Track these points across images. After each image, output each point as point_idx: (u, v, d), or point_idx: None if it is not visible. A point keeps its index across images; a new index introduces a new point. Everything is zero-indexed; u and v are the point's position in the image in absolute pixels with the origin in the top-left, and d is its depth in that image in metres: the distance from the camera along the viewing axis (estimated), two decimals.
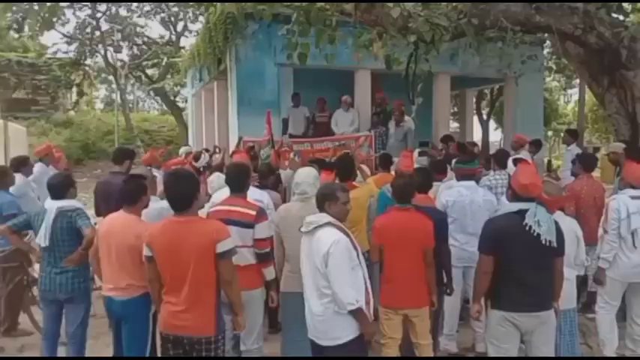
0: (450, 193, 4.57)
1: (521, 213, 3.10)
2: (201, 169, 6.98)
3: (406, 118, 8.80)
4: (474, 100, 18.74)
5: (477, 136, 18.18)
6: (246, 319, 3.71)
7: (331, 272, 2.98)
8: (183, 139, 18.58)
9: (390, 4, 5.05)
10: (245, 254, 3.65)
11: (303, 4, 5.40)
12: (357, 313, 3.03)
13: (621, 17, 7.89)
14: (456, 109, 18.01)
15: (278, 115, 9.09)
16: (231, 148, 8.60)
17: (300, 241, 3.75)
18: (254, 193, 4.22)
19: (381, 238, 3.73)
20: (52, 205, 3.77)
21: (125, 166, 5.17)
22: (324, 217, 3.13)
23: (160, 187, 4.43)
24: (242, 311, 3.22)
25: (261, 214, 3.69)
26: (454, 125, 17.74)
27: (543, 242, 3.04)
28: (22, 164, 5.76)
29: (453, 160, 5.13)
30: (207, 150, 9.15)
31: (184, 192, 2.98)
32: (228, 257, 2.98)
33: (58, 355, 4.03)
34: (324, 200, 3.18)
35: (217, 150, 8.70)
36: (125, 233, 3.34)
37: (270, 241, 3.80)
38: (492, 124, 21.28)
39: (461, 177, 4.62)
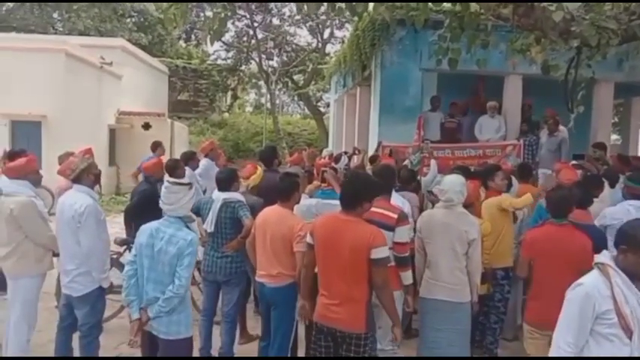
0: (617, 210, 4.18)
1: None
2: (342, 170, 7.18)
3: (560, 127, 8.18)
4: None
5: None
6: (385, 319, 3.79)
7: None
8: (323, 142, 19.33)
9: (552, 7, 4.77)
10: None
11: (456, 7, 5.34)
12: None
13: None
14: (617, 120, 16.27)
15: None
16: (370, 152, 8.76)
17: (441, 247, 3.73)
18: (395, 199, 4.27)
19: (531, 252, 3.56)
20: (218, 196, 4.22)
21: (275, 164, 5.58)
22: (602, 257, 2.52)
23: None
24: (398, 321, 3.20)
25: (403, 217, 3.73)
26: (614, 137, 16.04)
27: None
28: (190, 159, 6.54)
29: (622, 176, 4.65)
30: (346, 152, 9.42)
31: (353, 193, 3.15)
32: (381, 264, 3.02)
33: (213, 333, 4.47)
34: (621, 242, 2.43)
35: (357, 152, 8.90)
36: (279, 224, 3.63)
37: (409, 245, 3.81)
38: None
39: (630, 196, 4.20)
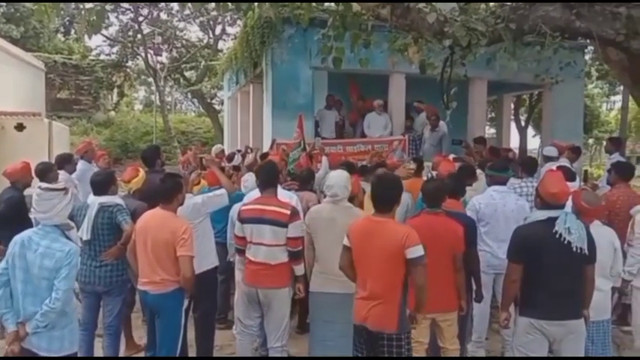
0: (482, 196, 4.53)
1: (551, 220, 3.07)
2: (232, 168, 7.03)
3: (440, 123, 8.76)
4: (512, 106, 18.38)
5: (514, 142, 17.82)
6: (272, 316, 3.80)
7: None
8: (219, 140, 18.91)
9: (426, 9, 5.06)
10: (276, 253, 3.73)
11: (340, 8, 5.46)
12: None
13: None
14: (494, 115, 17.74)
15: (312, 119, 9.20)
16: (265, 150, 8.73)
17: (329, 241, 3.81)
18: (282, 195, 4.29)
19: None
20: (94, 201, 3.94)
21: (158, 165, 5.32)
22: None
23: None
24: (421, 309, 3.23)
25: (295, 213, 3.77)
26: (491, 131, 17.46)
27: (574, 249, 3.01)
28: (65, 161, 6.00)
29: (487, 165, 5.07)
30: (239, 150, 9.31)
31: (388, 195, 3.19)
32: (420, 263, 3.06)
33: (95, 347, 4.19)
34: None
35: (249, 150, 8.83)
36: (161, 229, 3.47)
37: (302, 240, 3.87)
38: (531, 130, 20.81)
39: (493, 183, 4.57)
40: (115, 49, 25.08)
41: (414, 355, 3.65)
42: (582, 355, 3.25)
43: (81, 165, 6.22)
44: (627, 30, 6.06)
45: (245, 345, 3.99)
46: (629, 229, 4.16)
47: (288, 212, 3.71)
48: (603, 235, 3.51)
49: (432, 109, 9.03)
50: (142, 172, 4.45)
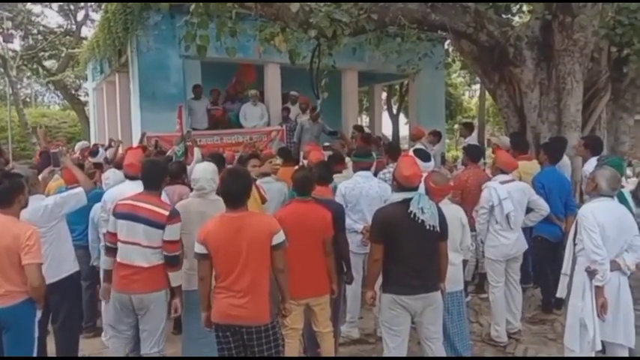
0: (348, 182, 4.70)
1: (406, 202, 3.26)
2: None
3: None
4: (385, 95, 19.33)
5: (387, 130, 18.78)
6: (149, 321, 3.60)
7: None
8: (86, 134, 17.52)
9: None
10: (149, 255, 3.50)
11: None
12: None
13: (510, 16, 8.52)
14: (369, 104, 18.47)
15: (185, 109, 8.86)
16: (135, 144, 8.26)
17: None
18: None
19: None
20: None
21: (1, 163, 4.75)
22: None
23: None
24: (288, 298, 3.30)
25: (175, 214, 3.54)
26: (367, 120, 18.22)
27: (427, 228, 3.22)
28: None
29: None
30: (102, 145, 8.72)
31: (240, 189, 3.08)
32: (282, 247, 3.10)
33: None
34: None
35: (112, 143, 8.30)
36: (1, 236, 3.10)
37: (179, 244, 3.62)
38: (403, 118, 22.02)
39: (358, 169, 4.76)
40: None
41: (289, 341, 3.71)
42: (440, 323, 3.52)
43: None
44: (476, 23, 6.67)
45: (119, 349, 3.74)
46: (479, 204, 4.58)
47: (167, 213, 3.50)
48: (452, 212, 3.80)
49: (305, 99, 9.17)
50: None
